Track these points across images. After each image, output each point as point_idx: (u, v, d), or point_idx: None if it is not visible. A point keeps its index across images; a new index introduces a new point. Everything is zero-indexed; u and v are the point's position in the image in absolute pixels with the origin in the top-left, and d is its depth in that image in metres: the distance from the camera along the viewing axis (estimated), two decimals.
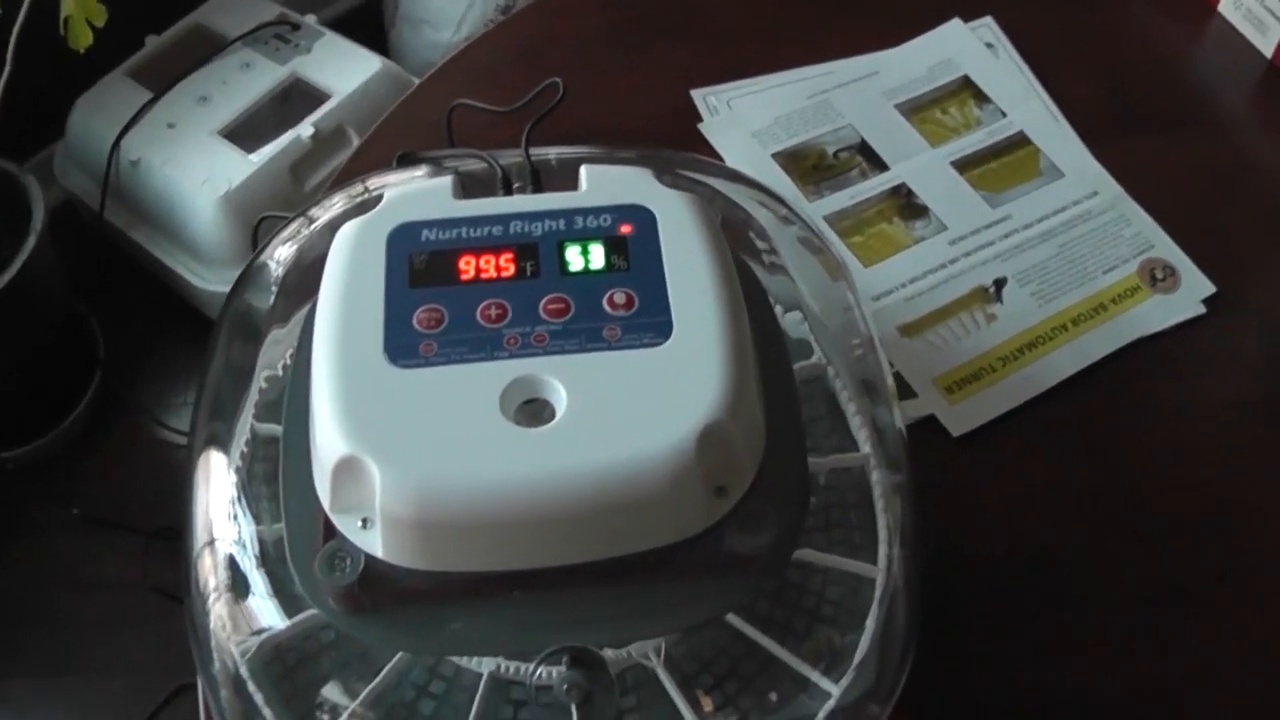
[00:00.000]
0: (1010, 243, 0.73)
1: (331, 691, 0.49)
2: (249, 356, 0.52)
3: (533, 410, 0.41)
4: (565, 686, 0.40)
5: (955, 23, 0.84)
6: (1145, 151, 0.78)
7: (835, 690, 0.48)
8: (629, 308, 0.43)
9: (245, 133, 1.51)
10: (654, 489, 0.39)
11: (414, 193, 0.48)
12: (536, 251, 0.45)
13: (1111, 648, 0.60)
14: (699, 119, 0.80)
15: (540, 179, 0.51)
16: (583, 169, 0.48)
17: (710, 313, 0.42)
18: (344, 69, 1.55)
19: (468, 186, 0.51)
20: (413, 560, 0.41)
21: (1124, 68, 0.83)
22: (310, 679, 0.49)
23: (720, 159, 0.77)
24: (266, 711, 0.48)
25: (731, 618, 0.50)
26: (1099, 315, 0.70)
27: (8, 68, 1.16)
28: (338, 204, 0.57)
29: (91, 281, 1.55)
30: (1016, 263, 0.72)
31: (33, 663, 1.32)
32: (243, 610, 0.48)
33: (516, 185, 0.51)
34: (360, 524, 0.41)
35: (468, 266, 0.45)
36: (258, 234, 0.58)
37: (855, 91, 0.80)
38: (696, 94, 0.81)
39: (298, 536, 0.44)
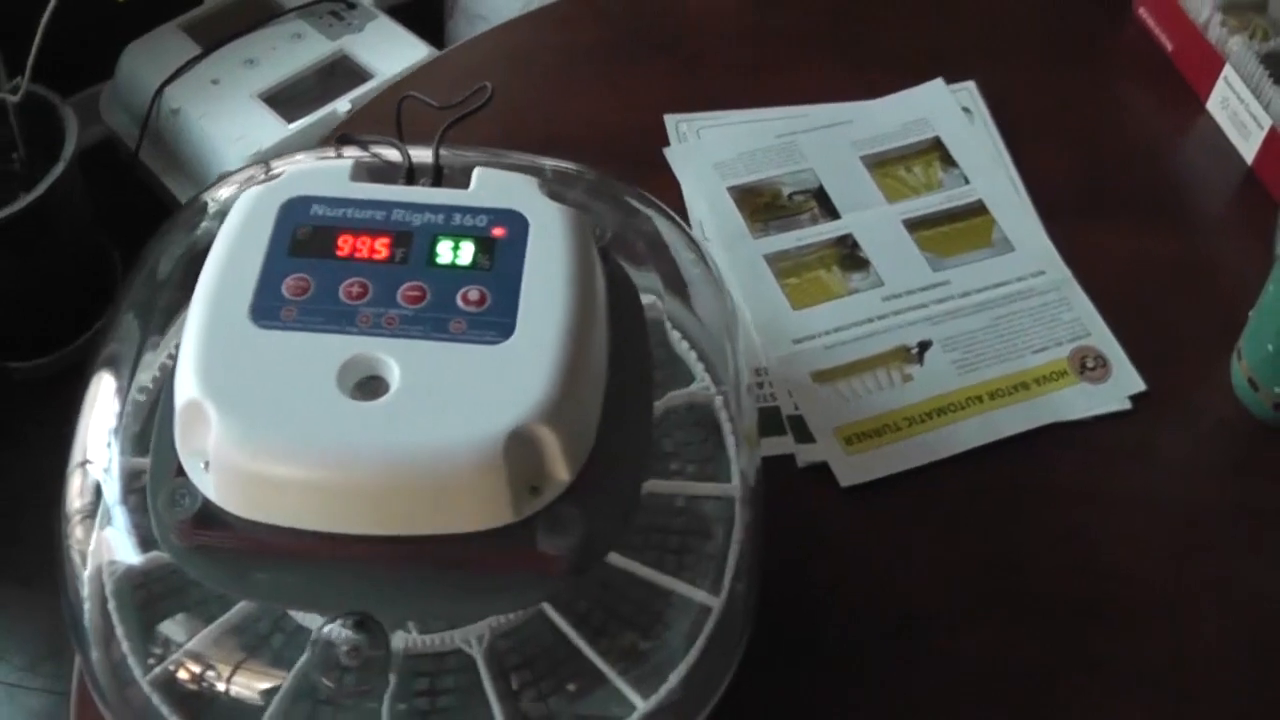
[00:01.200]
0: (944, 308, 0.74)
1: (170, 628, 0.52)
2: (163, 291, 0.55)
3: (369, 386, 0.43)
4: (345, 647, 0.42)
5: (938, 83, 0.85)
6: (1103, 238, 0.78)
7: (641, 704, 0.50)
8: (480, 305, 0.45)
9: (285, 100, 1.56)
10: (457, 478, 0.41)
11: (315, 170, 0.51)
12: (410, 240, 0.47)
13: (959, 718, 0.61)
14: (667, 143, 0.82)
15: (442, 176, 0.53)
16: (476, 170, 0.50)
17: (553, 321, 0.45)
18: (391, 52, 1.59)
19: (384, 173, 0.53)
20: (236, 506, 0.43)
21: (1099, 150, 0.84)
22: (157, 615, 0.52)
23: (676, 184, 0.79)
24: (122, 638, 0.51)
25: (558, 619, 0.52)
26: (1018, 393, 0.71)
27: (52, 2, 1.20)
28: (301, 160, 0.59)
29: (120, 217, 1.60)
30: (946, 328, 0.73)
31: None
32: (100, 538, 0.51)
33: (423, 180, 0.54)
34: (203, 466, 0.44)
35: (345, 244, 0.47)
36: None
37: (824, 137, 0.82)
38: (670, 119, 0.84)
39: (158, 471, 0.47)
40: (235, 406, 0.42)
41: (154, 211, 1.59)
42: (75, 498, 0.50)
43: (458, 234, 0.48)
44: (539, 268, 0.46)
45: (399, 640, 0.51)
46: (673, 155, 0.82)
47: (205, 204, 0.59)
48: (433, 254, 0.47)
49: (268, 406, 0.42)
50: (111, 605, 0.51)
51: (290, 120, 1.51)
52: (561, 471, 0.44)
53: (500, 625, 0.52)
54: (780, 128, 0.83)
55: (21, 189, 1.35)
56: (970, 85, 0.86)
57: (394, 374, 0.43)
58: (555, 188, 0.51)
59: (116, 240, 1.60)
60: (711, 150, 0.81)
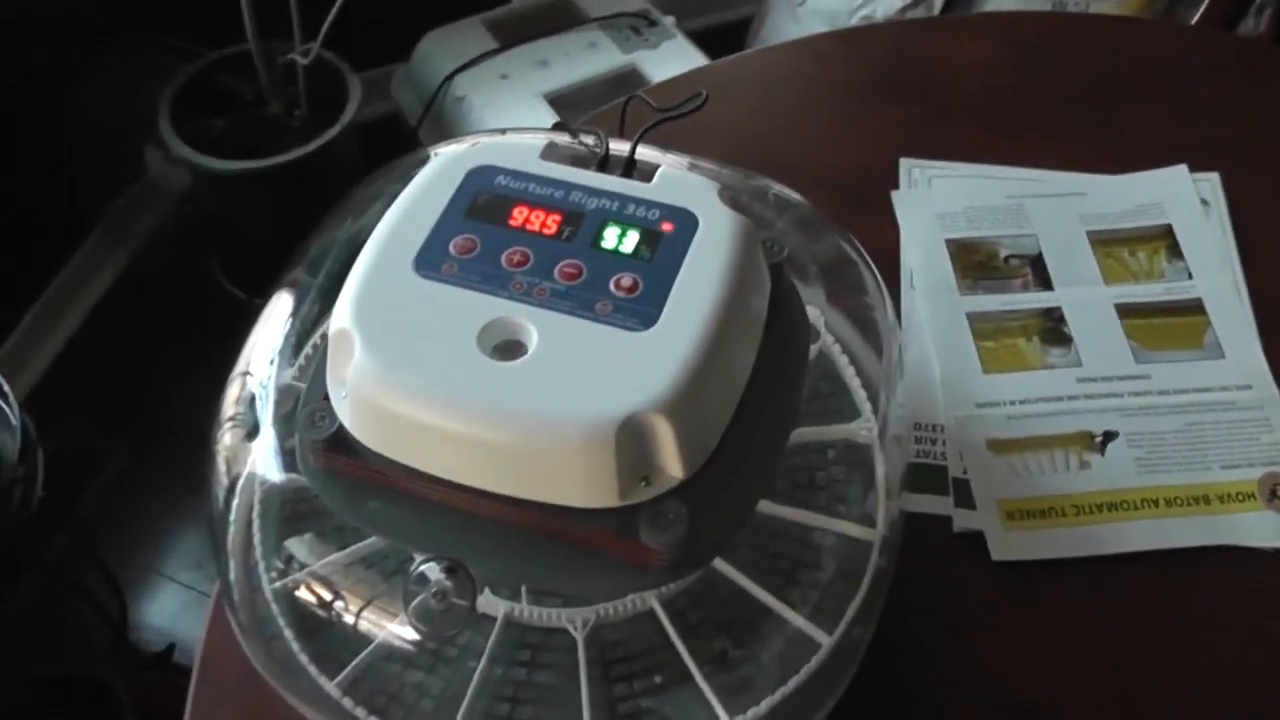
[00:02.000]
0: (1138, 402, 0.70)
1: (301, 547, 0.55)
2: (353, 231, 0.58)
3: (507, 349, 0.45)
4: (433, 589, 0.44)
5: (1181, 169, 0.81)
6: None
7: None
8: (631, 292, 0.46)
9: (568, 104, 1.61)
10: (568, 452, 0.42)
11: (507, 144, 0.52)
12: (581, 221, 0.48)
13: None
14: (896, 186, 0.81)
15: (634, 169, 0.54)
16: (661, 169, 0.51)
17: (695, 320, 0.45)
18: (680, 72, 1.62)
19: (583, 161, 0.55)
20: (364, 437, 0.45)
21: None
22: (293, 533, 0.55)
23: (895, 228, 0.78)
24: (257, 545, 0.54)
25: (664, 619, 0.53)
26: (1198, 506, 0.66)
27: None
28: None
29: None
30: (1135, 423, 0.70)
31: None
32: (250, 450, 0.54)
33: (614, 172, 0.55)
34: (344, 394, 0.46)
35: (519, 215, 0.49)
36: None
37: (1054, 205, 0.80)
38: (904, 162, 0.83)
39: (311, 394, 0.49)
40: (378, 342, 0.44)
41: None
42: (230, 405, 0.53)
43: (627, 223, 0.48)
44: (698, 267, 0.47)
45: (507, 607, 0.53)
46: (899, 199, 0.81)
47: (425, 158, 0.62)
48: (599, 237, 0.48)
49: (408, 348, 0.44)
50: (256, 513, 0.55)
51: None
52: (674, 467, 0.44)
53: (607, 615, 0.53)
54: (1012, 188, 0.81)
55: (297, 141, 1.44)
56: (1214, 178, 0.81)
57: (533, 341, 0.44)
58: (738, 198, 0.52)
59: None
60: (938, 200, 0.80)
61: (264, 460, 0.53)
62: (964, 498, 0.66)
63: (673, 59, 1.67)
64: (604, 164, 0.55)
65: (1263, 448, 0.69)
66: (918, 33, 0.94)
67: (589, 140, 0.58)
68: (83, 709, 1.21)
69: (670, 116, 0.57)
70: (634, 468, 0.43)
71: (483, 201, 0.49)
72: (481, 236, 0.48)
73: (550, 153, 0.52)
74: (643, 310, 0.45)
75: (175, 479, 1.46)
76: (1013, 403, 0.70)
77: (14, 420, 1.10)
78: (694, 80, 0.95)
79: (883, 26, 0.96)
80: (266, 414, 0.53)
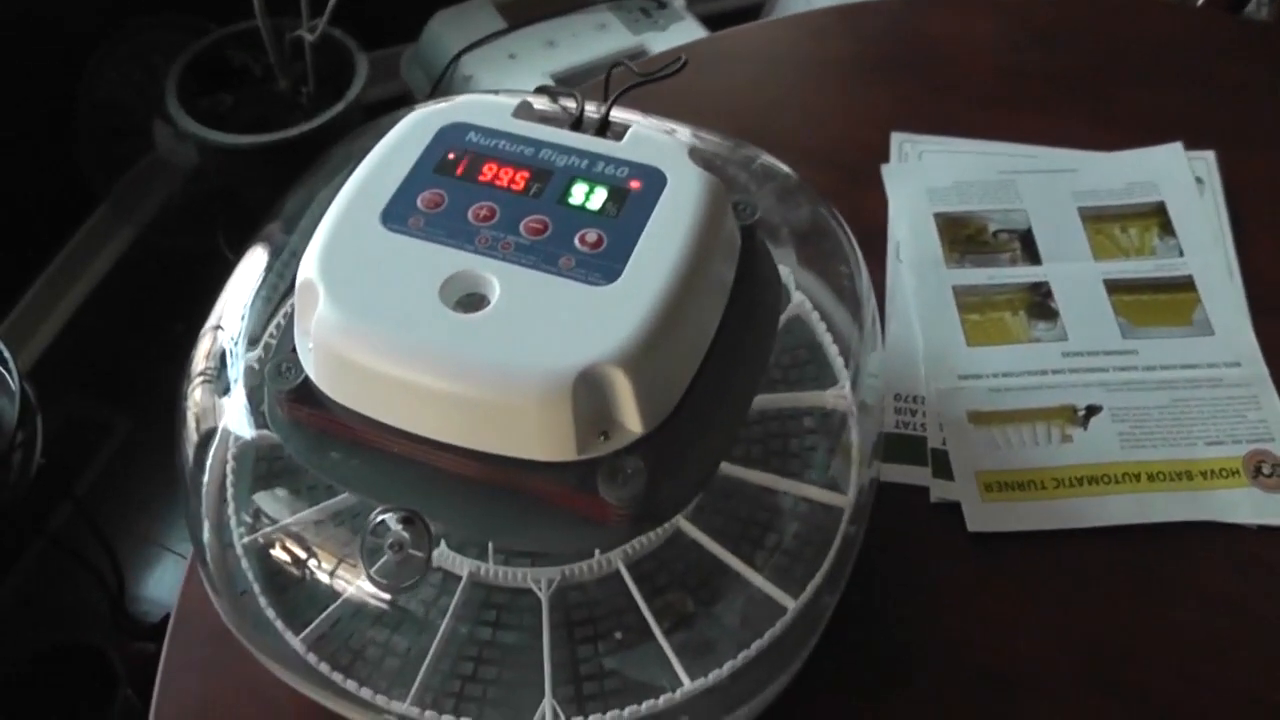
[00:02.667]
0: (1124, 377, 0.70)
1: (272, 503, 0.55)
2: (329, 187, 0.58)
3: (469, 302, 0.45)
4: (390, 539, 0.44)
5: (1176, 146, 0.81)
6: None
7: (688, 682, 0.50)
8: (595, 247, 0.46)
9: (575, 84, 1.60)
10: (525, 404, 0.42)
11: (480, 103, 0.52)
12: (549, 178, 0.48)
13: None
14: (886, 159, 0.81)
15: (607, 129, 0.54)
16: (631, 128, 0.51)
17: (658, 275, 0.45)
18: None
19: (560, 120, 0.55)
20: (328, 388, 0.45)
21: None
22: (266, 488, 0.55)
23: (884, 202, 0.78)
24: (230, 500, 0.54)
25: (628, 580, 0.53)
26: (1180, 481, 0.66)
27: None
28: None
29: None
30: (1120, 398, 0.69)
31: None
32: (221, 405, 0.54)
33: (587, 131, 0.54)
34: (310, 346, 0.46)
35: (488, 172, 0.49)
36: None
37: (1046, 181, 0.79)
38: (896, 136, 0.82)
39: (280, 348, 0.50)
40: (342, 293, 0.44)
41: None
42: (201, 360, 0.54)
43: (595, 180, 0.48)
44: (663, 224, 0.47)
45: (472, 566, 0.53)
46: (889, 173, 0.80)
47: (407, 112, 0.62)
48: (566, 194, 0.48)
49: (371, 300, 0.44)
50: (229, 469, 0.55)
51: None
52: (633, 422, 0.44)
53: (572, 576, 0.53)
54: (1003, 164, 0.80)
55: (303, 118, 1.45)
56: (1209, 155, 0.81)
57: (495, 294, 0.44)
58: (711, 160, 0.52)
59: None
60: (929, 174, 0.80)
61: (236, 416, 0.54)
62: (942, 468, 0.66)
63: (682, 40, 1.66)
64: (578, 124, 0.54)
65: (1249, 425, 0.68)
66: (919, 9, 0.94)
67: (569, 103, 0.58)
68: (80, 678, 1.22)
69: (648, 80, 0.57)
70: (592, 421, 0.43)
71: (452, 157, 0.49)
72: (449, 191, 0.48)
73: (523, 112, 0.52)
74: (606, 266, 0.45)
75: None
76: (996, 375, 0.70)
77: (13, 386, 1.10)
78: (690, 51, 0.94)
79: (885, 3, 0.95)
80: (238, 370, 0.53)
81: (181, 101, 1.47)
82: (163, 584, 1.41)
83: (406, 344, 0.43)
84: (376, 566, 0.45)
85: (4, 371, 1.13)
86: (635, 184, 0.48)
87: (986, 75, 0.88)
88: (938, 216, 0.77)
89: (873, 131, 0.83)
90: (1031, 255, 0.76)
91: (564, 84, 1.58)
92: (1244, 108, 0.85)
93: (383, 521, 0.45)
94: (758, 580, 0.52)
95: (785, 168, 0.61)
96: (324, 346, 0.44)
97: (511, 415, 0.43)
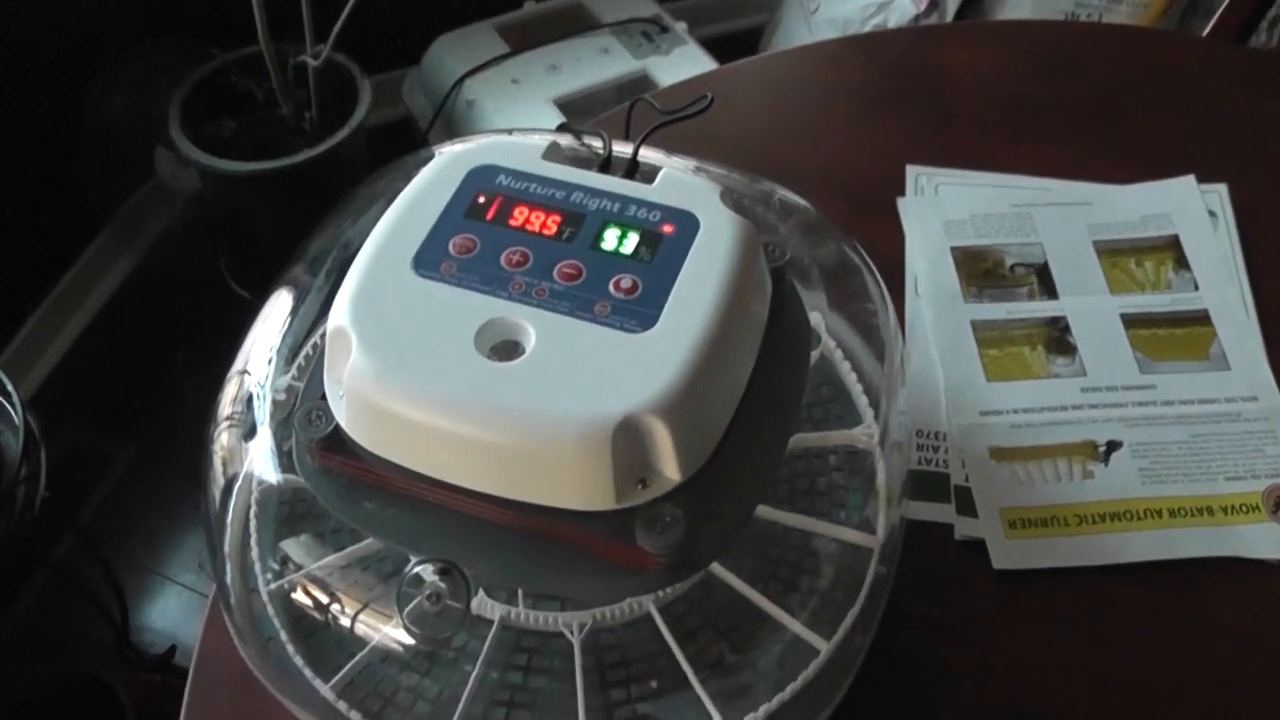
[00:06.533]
0: (1143, 412, 0.70)
1: (298, 548, 0.55)
2: (355, 228, 0.58)
3: (505, 349, 0.44)
4: (427, 591, 0.43)
5: (1189, 179, 0.81)
6: None
7: None
8: (630, 293, 0.46)
9: (578, 109, 1.60)
10: (564, 453, 0.42)
11: (509, 144, 0.52)
12: (581, 222, 0.48)
13: None
14: (903, 193, 0.81)
15: (636, 171, 0.54)
16: (662, 170, 0.51)
17: (695, 322, 0.45)
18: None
19: (585, 163, 0.55)
20: (360, 436, 0.45)
21: None
22: (291, 534, 0.55)
23: (901, 234, 0.78)
24: (254, 546, 0.54)
25: (660, 624, 0.52)
26: (1202, 517, 0.66)
27: None
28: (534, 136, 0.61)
29: None
30: (1139, 433, 0.69)
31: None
32: (247, 449, 0.54)
33: (617, 173, 0.54)
34: (340, 393, 0.46)
35: (519, 215, 0.49)
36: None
37: (1061, 214, 0.79)
38: (911, 170, 0.82)
39: (308, 393, 0.49)
40: (375, 341, 0.44)
41: None
42: (227, 404, 0.53)
43: (628, 224, 0.48)
44: (698, 269, 0.47)
45: (503, 610, 0.52)
46: (905, 206, 0.80)
47: (429, 158, 0.62)
48: (599, 238, 0.48)
49: (405, 348, 0.44)
50: (253, 514, 0.55)
51: None
52: (671, 470, 0.44)
53: (604, 620, 0.53)
54: (1018, 197, 0.80)
55: (306, 143, 1.45)
56: (1222, 189, 0.81)
57: (530, 341, 0.44)
58: (740, 201, 0.51)
59: None
60: (945, 208, 0.80)
61: (261, 461, 0.53)
62: (966, 505, 0.66)
63: (684, 65, 1.66)
64: (606, 165, 0.54)
65: (1268, 460, 0.68)
66: (929, 40, 0.94)
67: (594, 142, 0.58)
68: (87, 710, 1.21)
69: (675, 119, 0.57)
70: (630, 470, 0.43)
71: (483, 201, 0.49)
72: (481, 236, 0.48)
73: (553, 153, 0.52)
74: (642, 312, 0.45)
75: (180, 481, 1.46)
76: (1016, 411, 0.70)
77: (17, 419, 1.10)
78: (703, 84, 0.95)
79: (894, 33, 0.96)
80: (264, 414, 0.53)
81: (184, 127, 1.47)
82: (166, 615, 1.40)
83: (442, 393, 0.43)
84: (413, 617, 0.44)
85: (6, 404, 1.12)
86: (668, 228, 0.48)
87: (998, 106, 0.88)
88: (955, 250, 0.77)
89: (887, 164, 0.83)
90: (1049, 289, 0.76)
91: (568, 109, 1.60)
92: (1254, 138, 0.86)
93: (418, 573, 0.44)
94: (790, 623, 0.52)
95: (804, 202, 0.61)
96: (357, 395, 0.44)
97: (550, 465, 0.42)
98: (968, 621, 0.63)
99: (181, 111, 1.48)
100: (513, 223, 0.48)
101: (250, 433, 0.53)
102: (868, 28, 1.65)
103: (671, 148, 0.57)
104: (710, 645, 0.52)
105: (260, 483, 0.54)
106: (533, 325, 0.45)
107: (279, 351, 0.54)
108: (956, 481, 0.67)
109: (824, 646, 0.52)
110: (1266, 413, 0.70)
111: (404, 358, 0.44)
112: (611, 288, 0.46)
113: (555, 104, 1.61)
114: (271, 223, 1.56)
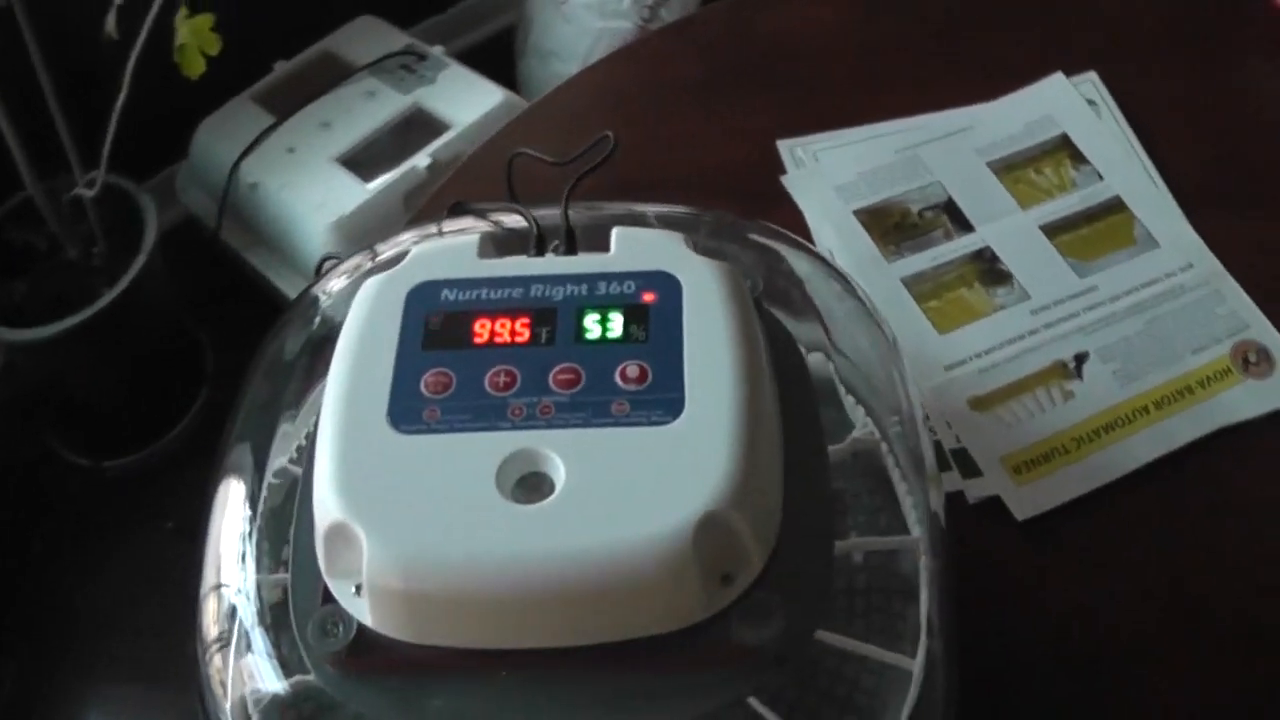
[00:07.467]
0: (1095, 315, 0.69)
1: None
2: (287, 388, 0.52)
3: (531, 484, 0.40)
4: None
5: (1058, 77, 0.80)
6: (1250, 226, 0.73)
7: None
8: (641, 381, 0.41)
9: (363, 160, 1.53)
10: (646, 577, 0.37)
11: (438, 250, 0.47)
12: (554, 317, 0.43)
13: None
14: (783, 171, 0.78)
15: (575, 239, 0.49)
16: (614, 231, 0.46)
17: (725, 391, 0.40)
18: (466, 100, 1.55)
19: (508, 243, 0.50)
20: (399, 631, 0.39)
21: (1236, 135, 0.78)
22: None
23: (800, 213, 0.75)
24: None
25: (757, 706, 0.48)
26: (1185, 398, 0.65)
27: (124, 91, 1.18)
28: (406, 240, 0.55)
29: (205, 299, 1.58)
30: (1100, 337, 0.68)
31: (121, 671, 1.34)
32: (241, 666, 0.47)
33: (554, 244, 0.50)
34: (354, 590, 0.40)
35: (482, 330, 0.43)
36: (319, 272, 0.58)
37: (946, 147, 0.77)
38: (783, 145, 0.79)
39: (300, 594, 0.43)
40: (386, 526, 0.39)
41: (239, 289, 1.57)
42: (212, 625, 0.46)
43: (604, 304, 0.44)
44: (700, 333, 0.42)
45: None
46: (791, 182, 0.77)
47: (316, 298, 0.56)
48: (580, 330, 0.43)
49: (422, 521, 0.39)
50: None
51: (368, 180, 1.47)
52: (754, 556, 0.39)
53: None
54: (899, 141, 0.78)
55: (104, 283, 1.33)
56: (1092, 76, 0.80)
57: (558, 469, 0.39)
58: (705, 241, 0.47)
59: (202, 322, 1.59)
60: (832, 173, 0.77)
61: (260, 674, 0.47)
62: (968, 467, 0.63)
63: (455, 88, 1.60)
64: (541, 243, 0.49)
65: (1222, 320, 0.68)
66: (746, 9, 0.90)
67: (502, 218, 0.53)
68: None
69: (591, 170, 0.52)
70: (715, 571, 0.39)
71: (436, 324, 0.44)
72: (452, 366, 0.42)
73: (486, 247, 0.47)
74: (662, 398, 0.41)
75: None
76: (978, 355, 0.68)
77: None
78: (532, 119, 0.90)
79: (712, 10, 0.92)
80: (251, 622, 0.46)
81: None
82: None
83: (488, 558, 0.38)
84: None
85: None
86: (649, 296, 0.44)
87: (843, 59, 0.85)
88: (858, 213, 0.75)
89: (754, 147, 0.79)
90: (962, 224, 0.74)
91: (354, 164, 1.52)
92: (1106, 22, 0.85)
93: None
94: (881, 654, 0.48)
95: (688, 211, 0.57)
96: (385, 591, 0.38)
97: (631, 596, 0.38)
98: (1014, 582, 0.60)
99: None
100: (478, 340, 0.43)
101: (244, 647, 0.46)
102: (626, 3, 1.61)
103: (533, 200, 0.53)
104: (810, 706, 0.48)
105: (259, 698, 0.48)
106: (554, 450, 0.40)
107: (249, 546, 0.47)
108: (950, 445, 0.64)
109: (913, 665, 0.48)
110: (1205, 275, 0.70)
111: (425, 532, 0.38)
112: (619, 381, 0.41)
113: (339, 162, 1.53)
114: (91, 377, 1.44)
